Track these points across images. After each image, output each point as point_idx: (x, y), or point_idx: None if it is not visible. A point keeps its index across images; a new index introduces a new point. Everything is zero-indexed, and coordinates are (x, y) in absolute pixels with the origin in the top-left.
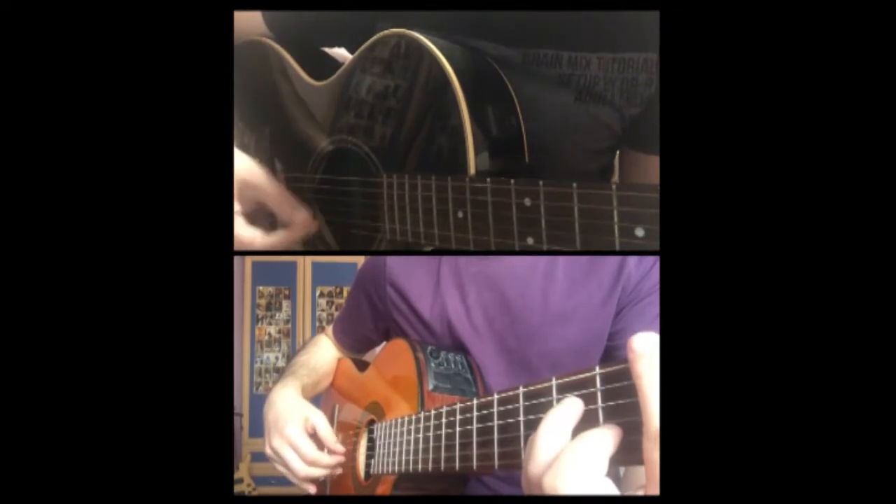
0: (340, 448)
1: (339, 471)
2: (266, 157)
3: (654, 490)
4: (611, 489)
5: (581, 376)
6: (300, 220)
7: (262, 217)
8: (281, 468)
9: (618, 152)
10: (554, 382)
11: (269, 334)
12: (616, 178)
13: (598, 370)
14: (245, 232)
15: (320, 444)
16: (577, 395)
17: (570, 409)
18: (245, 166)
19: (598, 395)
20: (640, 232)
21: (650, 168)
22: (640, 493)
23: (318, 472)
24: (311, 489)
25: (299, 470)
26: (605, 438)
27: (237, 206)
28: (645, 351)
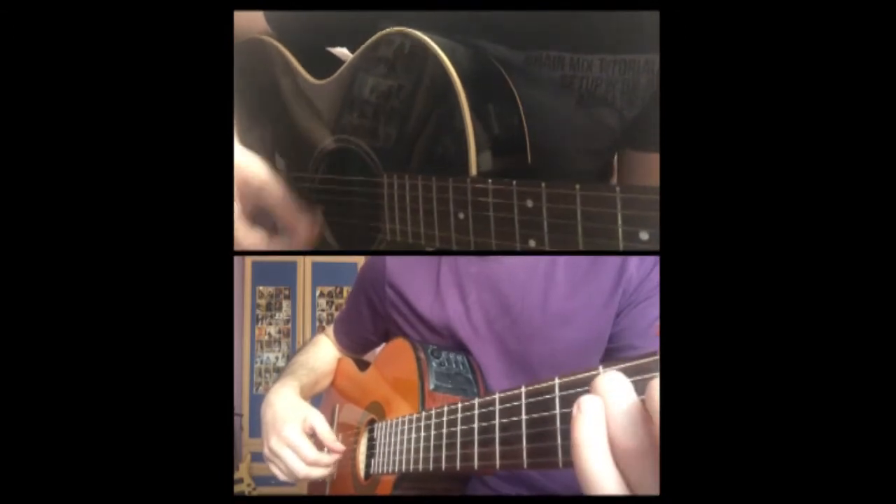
0: (340, 446)
1: (336, 465)
2: (267, 156)
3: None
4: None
5: (583, 376)
6: (303, 226)
7: (265, 216)
8: (276, 470)
9: (616, 153)
10: (556, 382)
11: (269, 334)
12: (615, 177)
13: (601, 370)
14: (247, 237)
15: (319, 444)
16: (578, 394)
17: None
18: (246, 162)
19: None
20: (644, 235)
21: (649, 166)
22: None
23: (319, 473)
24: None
25: (299, 471)
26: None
27: (239, 207)
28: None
